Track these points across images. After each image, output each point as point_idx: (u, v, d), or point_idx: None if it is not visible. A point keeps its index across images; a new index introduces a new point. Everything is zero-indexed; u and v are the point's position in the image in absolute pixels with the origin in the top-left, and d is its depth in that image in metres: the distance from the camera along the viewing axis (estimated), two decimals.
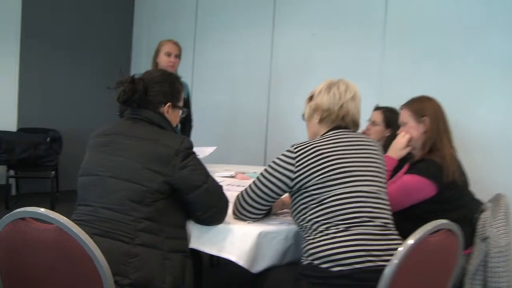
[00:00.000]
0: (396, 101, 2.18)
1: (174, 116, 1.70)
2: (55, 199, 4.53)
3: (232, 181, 2.46)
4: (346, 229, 1.41)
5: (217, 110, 4.60)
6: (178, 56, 3.12)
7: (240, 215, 1.63)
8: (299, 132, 3.98)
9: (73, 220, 1.41)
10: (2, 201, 4.38)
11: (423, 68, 3.22)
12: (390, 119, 2.46)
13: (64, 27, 5.20)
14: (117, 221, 1.43)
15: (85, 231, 1.23)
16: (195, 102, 3.54)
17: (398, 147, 2.01)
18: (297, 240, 1.59)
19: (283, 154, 1.55)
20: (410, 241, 1.25)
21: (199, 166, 1.55)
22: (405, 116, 1.99)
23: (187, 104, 3.16)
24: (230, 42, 4.56)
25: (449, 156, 1.84)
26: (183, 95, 1.75)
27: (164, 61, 3.06)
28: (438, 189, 1.79)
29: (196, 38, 4.85)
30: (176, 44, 3.12)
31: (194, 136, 3.15)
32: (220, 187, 1.61)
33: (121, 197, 1.45)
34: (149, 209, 1.45)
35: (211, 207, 1.56)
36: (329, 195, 1.45)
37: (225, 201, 1.60)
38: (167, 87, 1.66)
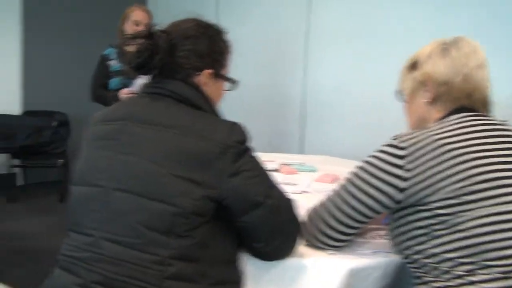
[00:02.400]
0: None
1: (215, 90, 1.13)
2: (65, 190, 4.08)
3: (280, 178, 1.84)
4: (506, 277, 0.88)
5: (243, 91, 4.03)
6: (148, 25, 2.59)
7: (317, 242, 1.08)
8: (344, 111, 3.51)
9: (61, 256, 1.00)
10: (5, 193, 3.95)
11: None
12: None
13: (69, 3, 4.64)
14: (131, 262, 0.90)
15: (79, 277, 0.89)
16: None
17: None
18: (399, 275, 1.07)
19: (381, 151, 1.00)
20: None
21: (258, 171, 1.00)
22: None
23: None
24: (257, 15, 3.96)
25: None
26: (229, 59, 1.18)
27: (131, 31, 2.63)
28: None
29: (218, 12, 4.26)
30: (145, 10, 2.71)
31: None
32: (290, 201, 1.05)
33: (134, 223, 0.92)
34: (183, 242, 0.91)
35: (277, 235, 1.02)
36: (470, 217, 0.90)
37: (297, 224, 1.06)
38: (205, 45, 1.09)
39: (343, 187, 1.05)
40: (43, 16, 4.44)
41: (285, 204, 1.04)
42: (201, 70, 1.08)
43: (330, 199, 1.07)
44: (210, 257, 0.96)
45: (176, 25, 1.11)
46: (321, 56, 3.47)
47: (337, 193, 1.06)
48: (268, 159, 2.08)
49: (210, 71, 1.10)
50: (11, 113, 4.12)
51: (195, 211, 0.92)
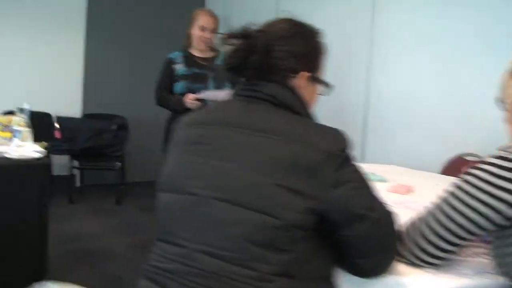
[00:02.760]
0: None
1: (310, 93, 1.06)
2: (122, 192, 4.12)
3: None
4: None
5: None
6: (215, 30, 2.64)
7: (414, 258, 0.98)
8: (409, 120, 3.44)
9: (150, 267, 0.95)
10: (66, 195, 4.03)
11: None
12: None
13: (132, 6, 4.71)
14: (228, 277, 0.84)
15: None
16: None
17: None
18: None
19: (489, 163, 0.89)
20: None
21: (361, 181, 0.92)
22: None
23: None
24: (319, 15, 3.87)
25: None
26: (324, 61, 1.11)
27: (197, 35, 2.64)
28: None
29: (278, 12, 4.21)
30: (212, 16, 2.67)
31: None
32: (391, 215, 0.96)
33: (234, 236, 0.86)
34: (283, 257, 0.84)
35: (378, 250, 0.94)
36: None
37: (396, 239, 0.98)
38: (302, 46, 1.02)
39: (446, 201, 0.95)
40: (106, 21, 4.55)
41: (387, 218, 0.95)
42: (297, 72, 1.02)
43: (430, 213, 0.98)
44: (309, 273, 0.88)
45: (271, 25, 1.05)
46: (385, 63, 3.33)
47: (439, 207, 0.96)
48: None
49: (306, 73, 1.03)
50: (72, 116, 4.23)
51: (297, 224, 0.85)
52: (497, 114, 2.54)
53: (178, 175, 0.97)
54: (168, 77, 2.66)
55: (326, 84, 1.09)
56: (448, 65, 2.85)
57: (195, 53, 2.69)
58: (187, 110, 2.56)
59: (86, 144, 3.86)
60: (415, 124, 3.05)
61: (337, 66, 3.72)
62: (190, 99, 2.51)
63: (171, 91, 2.66)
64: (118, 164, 4.06)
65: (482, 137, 2.69)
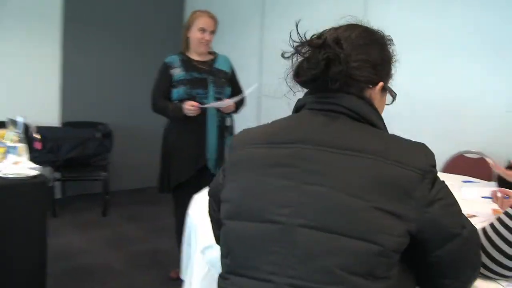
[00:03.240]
0: None
1: (381, 104, 1.00)
2: (106, 203, 3.94)
3: None
4: None
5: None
6: (214, 32, 2.55)
7: (488, 271, 0.98)
8: (412, 120, 3.28)
9: None
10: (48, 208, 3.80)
11: None
12: None
13: (111, 8, 4.49)
14: None
15: None
16: (264, 87, 2.86)
17: None
18: None
19: None
20: None
21: (452, 198, 0.86)
22: None
23: (233, 79, 2.67)
24: (307, 10, 3.80)
25: None
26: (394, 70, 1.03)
27: (196, 37, 2.51)
28: None
29: (264, 8, 4.11)
30: (212, 18, 2.55)
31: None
32: (476, 231, 0.91)
33: (330, 267, 0.77)
34: (380, 285, 0.78)
35: (468, 268, 0.89)
36: None
37: (481, 255, 0.95)
38: (377, 54, 0.94)
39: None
40: (83, 25, 4.31)
41: (475, 235, 0.91)
42: (376, 83, 0.94)
43: (502, 222, 0.97)
44: None
45: (342, 30, 0.95)
46: None
47: (509, 215, 0.95)
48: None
49: (382, 84, 0.95)
50: (50, 125, 3.99)
51: (396, 249, 0.79)
52: (498, 111, 2.57)
53: (256, 201, 0.86)
54: (165, 83, 2.52)
55: (393, 94, 1.01)
56: (447, 62, 2.85)
57: (194, 56, 2.56)
58: (187, 118, 2.44)
59: (70, 154, 3.65)
60: (415, 123, 3.04)
61: None
62: (191, 106, 2.39)
63: (168, 98, 2.53)
64: (104, 174, 3.87)
65: (482, 135, 2.72)
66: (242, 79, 2.76)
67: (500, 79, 2.62)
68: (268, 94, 3.78)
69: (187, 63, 2.53)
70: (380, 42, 0.97)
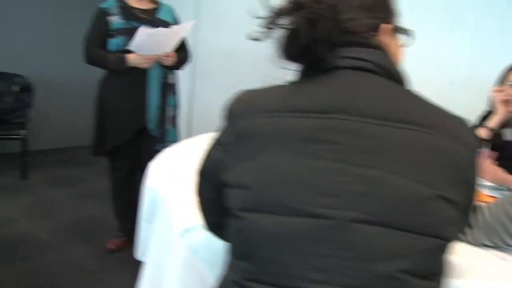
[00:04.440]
0: None
1: (396, 49, 0.81)
2: (27, 165, 3.55)
3: None
4: None
5: (235, 57, 3.64)
6: None
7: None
8: None
9: None
10: None
11: None
12: None
13: None
14: None
15: None
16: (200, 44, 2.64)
17: None
18: None
19: None
20: None
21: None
22: None
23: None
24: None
25: None
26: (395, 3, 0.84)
27: None
28: None
29: None
30: None
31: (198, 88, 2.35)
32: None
33: (395, 271, 0.62)
34: (432, 283, 0.67)
35: None
36: None
37: None
38: None
39: None
40: None
41: None
42: (377, 27, 0.76)
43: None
44: None
45: None
46: None
47: None
48: None
49: (388, 25, 0.78)
50: None
51: (452, 242, 0.68)
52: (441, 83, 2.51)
53: (287, 188, 0.66)
54: (101, 31, 2.21)
55: (407, 32, 0.83)
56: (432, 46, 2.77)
57: (133, 3, 2.26)
58: (129, 69, 2.18)
59: None
60: None
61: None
62: (145, 59, 2.15)
63: (104, 48, 2.23)
64: (23, 132, 3.45)
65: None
66: None
67: (443, 51, 2.61)
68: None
69: (126, 11, 2.23)
70: None
